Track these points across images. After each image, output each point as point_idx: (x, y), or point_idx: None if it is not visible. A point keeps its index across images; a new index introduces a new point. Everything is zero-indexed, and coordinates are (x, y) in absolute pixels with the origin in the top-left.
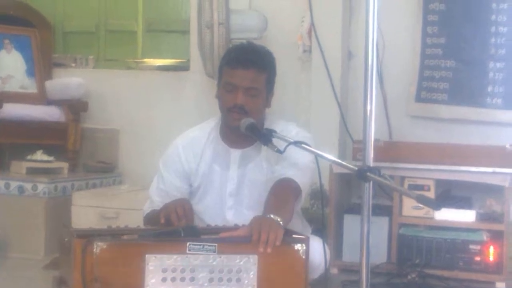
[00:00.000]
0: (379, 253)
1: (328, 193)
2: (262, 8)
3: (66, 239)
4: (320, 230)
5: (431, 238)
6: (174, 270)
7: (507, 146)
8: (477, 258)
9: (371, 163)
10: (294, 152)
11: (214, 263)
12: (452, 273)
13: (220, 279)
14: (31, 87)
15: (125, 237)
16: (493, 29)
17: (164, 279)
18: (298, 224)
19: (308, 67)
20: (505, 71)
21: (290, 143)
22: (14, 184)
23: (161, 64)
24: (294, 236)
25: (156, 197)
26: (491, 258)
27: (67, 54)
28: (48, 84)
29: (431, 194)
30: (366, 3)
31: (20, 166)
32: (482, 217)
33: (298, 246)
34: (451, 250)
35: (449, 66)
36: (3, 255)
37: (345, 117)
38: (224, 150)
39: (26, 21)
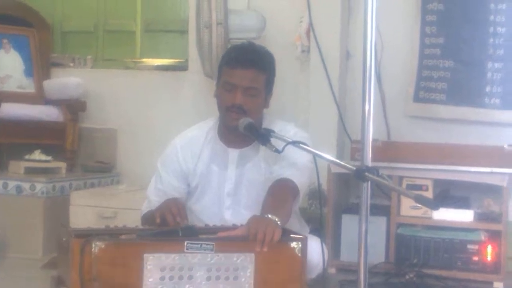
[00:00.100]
0: (377, 253)
1: (326, 193)
2: (261, 8)
3: (64, 239)
4: (318, 230)
5: (429, 238)
6: (172, 269)
7: (505, 146)
8: (475, 258)
9: (369, 163)
10: (292, 152)
11: (212, 261)
12: (450, 273)
13: (218, 277)
14: (29, 86)
15: (123, 236)
16: (491, 29)
17: (162, 278)
18: (296, 224)
19: (307, 67)
20: (503, 71)
21: (288, 143)
22: (12, 184)
23: (159, 64)
24: (291, 235)
25: (154, 197)
26: (489, 258)
27: (66, 54)
28: (46, 84)
29: (429, 194)
30: (364, 4)
31: (18, 166)
32: (480, 217)
33: (294, 244)
34: (449, 250)
35: (448, 66)
36: (1, 255)
37: (343, 117)
38: (222, 149)
39: (25, 21)
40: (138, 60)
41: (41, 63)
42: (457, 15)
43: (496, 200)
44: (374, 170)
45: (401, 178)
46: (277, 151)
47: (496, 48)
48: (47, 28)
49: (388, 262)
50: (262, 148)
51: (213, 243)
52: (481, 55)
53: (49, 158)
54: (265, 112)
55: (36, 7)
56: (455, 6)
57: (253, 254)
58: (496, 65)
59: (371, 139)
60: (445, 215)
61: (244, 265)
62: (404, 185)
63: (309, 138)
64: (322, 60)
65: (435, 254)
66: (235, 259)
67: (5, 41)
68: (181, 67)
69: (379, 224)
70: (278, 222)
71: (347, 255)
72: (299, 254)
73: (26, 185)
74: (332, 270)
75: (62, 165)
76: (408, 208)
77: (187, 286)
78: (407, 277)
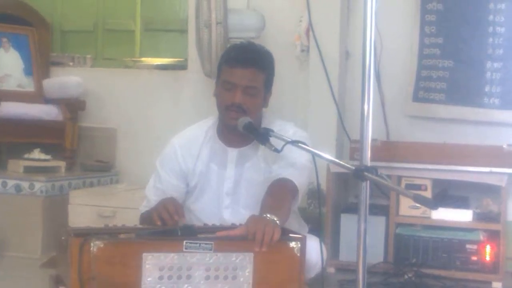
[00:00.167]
0: (376, 253)
1: (325, 192)
2: (260, 8)
3: (63, 238)
4: (317, 229)
5: (428, 238)
6: (170, 268)
7: (504, 146)
8: (474, 258)
9: (368, 162)
10: (291, 152)
11: (211, 261)
12: (449, 273)
13: (216, 277)
14: (29, 85)
15: (122, 236)
16: (490, 29)
17: (161, 277)
18: (295, 223)
19: (306, 67)
20: (502, 71)
21: (287, 143)
22: (11, 183)
23: (159, 63)
24: (290, 234)
25: (152, 196)
26: (488, 258)
27: (65, 53)
28: (46, 83)
29: (428, 194)
30: (364, 3)
31: (17, 165)
32: (479, 217)
33: (293, 244)
34: (448, 249)
35: (447, 66)
36: (0, 254)
37: (342, 117)
38: (221, 149)
39: (24, 20)
40: (138, 59)
41: (40, 62)
42: (457, 15)
43: (495, 200)
44: (373, 170)
45: (400, 177)
46: (276, 150)
47: (495, 48)
48: (47, 27)
49: (387, 262)
50: (262, 147)
51: (212, 242)
52: (480, 55)
53: (48, 157)
54: (265, 112)
55: (36, 6)
56: (455, 6)
57: (252, 254)
58: (495, 64)
59: (370, 139)
60: (444, 215)
61: (243, 264)
62: (403, 185)
63: (308, 138)
64: (322, 59)
65: (434, 254)
66: (234, 258)
67: (4, 40)
68: (181, 67)
69: (378, 224)
70: (277, 222)
71: (346, 254)
72: (298, 254)
73: (25, 184)
74: (331, 270)
75: (62, 164)
76: (407, 207)
77: (185, 285)
78: (406, 277)
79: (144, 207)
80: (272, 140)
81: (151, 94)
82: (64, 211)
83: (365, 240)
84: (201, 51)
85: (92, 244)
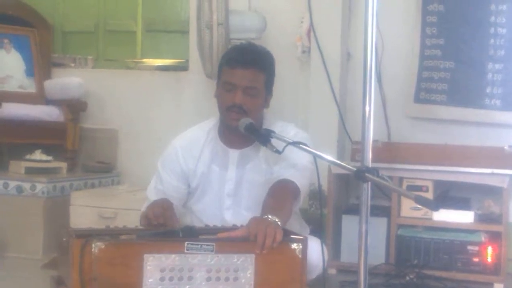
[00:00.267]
0: (377, 254)
1: (327, 193)
2: (262, 9)
3: (64, 239)
4: (318, 230)
5: (429, 239)
6: (172, 270)
7: (506, 147)
8: (475, 259)
9: (369, 163)
10: (292, 153)
11: (212, 262)
12: (450, 274)
13: (218, 278)
14: (30, 87)
15: (123, 237)
16: (492, 30)
17: (162, 279)
18: (296, 224)
19: (307, 68)
20: (503, 72)
21: (288, 144)
22: (12, 184)
23: (160, 64)
24: (291, 236)
25: (154, 197)
26: (489, 259)
27: (66, 54)
28: (47, 84)
29: (429, 195)
30: (365, 5)
31: (18, 166)
32: (481, 218)
33: (294, 245)
34: (449, 251)
35: (448, 67)
36: (1, 255)
37: (343, 118)
38: (222, 150)
39: (26, 21)
40: (139, 60)
41: (42, 63)
42: (458, 16)
43: (496, 201)
44: (375, 171)
45: (401, 179)
46: (277, 151)
47: (497, 49)
48: (48, 28)
49: (388, 263)
50: (263, 148)
51: (214, 244)
52: (482, 56)
53: (49, 158)
54: (266, 113)
55: (37, 7)
56: (456, 7)
57: (253, 255)
58: (497, 66)
59: (371, 140)
60: (446, 216)
61: (245, 266)
62: (404, 186)
63: (310, 139)
64: (323, 60)
65: (436, 255)
66: (235, 260)
67: (6, 41)
68: (182, 68)
69: (379, 225)
70: (279, 223)
71: (347, 256)
72: (300, 255)
73: (26, 185)
74: (332, 271)
75: (63, 165)
76: (408, 209)
77: (187, 287)
78: (407, 278)
79: (145, 208)
80: (274, 141)
81: (152, 95)
82: (65, 212)
83: (367, 241)
84: (202, 52)
85: (93, 245)
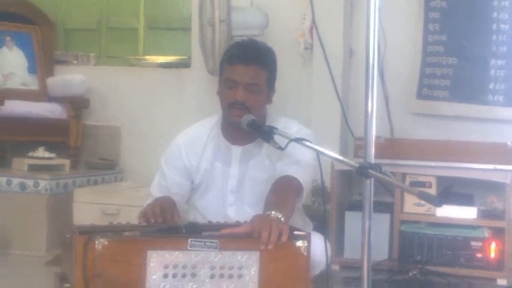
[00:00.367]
0: (381, 250)
1: (330, 190)
2: (264, 5)
3: (67, 236)
4: (321, 227)
5: (432, 235)
6: (175, 267)
7: (509, 143)
8: (479, 255)
9: (372, 160)
10: (295, 149)
11: (216, 259)
12: (454, 270)
13: (222, 276)
14: (33, 84)
15: (126, 233)
16: (494, 26)
17: (165, 275)
18: (300, 221)
19: (310, 65)
20: (506, 68)
21: (291, 140)
22: (15, 181)
23: (162, 61)
24: (295, 232)
25: (157, 193)
26: (493, 255)
27: (69, 51)
28: (50, 81)
29: (432, 191)
30: (367, 1)
31: (21, 163)
32: (484, 214)
33: (300, 243)
34: (452, 247)
35: (451, 63)
36: (5, 252)
37: (346, 114)
38: (225, 146)
39: (28, 18)
40: (141, 57)
41: (44, 61)
42: (460, 12)
43: (499, 197)
44: (377, 167)
45: (404, 175)
46: (280, 148)
47: (499, 45)
48: (50, 25)
49: (391, 259)
50: (266, 145)
51: (217, 241)
52: (484, 52)
53: (52, 155)
54: (269, 109)
55: (39, 4)
56: (458, 3)
57: (257, 252)
58: (499, 62)
59: (374, 136)
60: (449, 212)
61: (249, 263)
62: (407, 182)
63: (313, 135)
64: (325, 57)
65: (439, 251)
66: (239, 257)
67: (8, 38)
68: (184, 65)
69: (382, 221)
70: (282, 219)
71: (350, 252)
72: (305, 253)
73: (29, 182)
74: (336, 267)
75: (66, 162)
76: (411, 205)
77: (190, 284)
78: (410, 274)
79: (146, 205)
80: (277, 137)
81: (155, 92)
82: (68, 209)
83: (370, 237)
84: (204, 49)
85: (96, 242)
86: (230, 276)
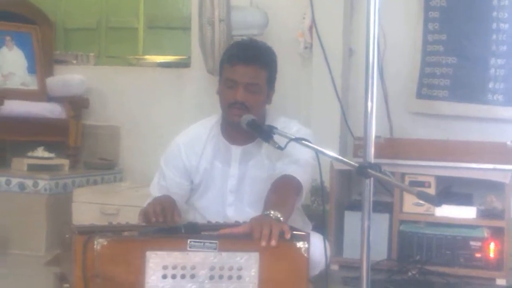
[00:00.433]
0: (380, 250)
1: (329, 189)
2: (263, 5)
3: (67, 236)
4: (320, 226)
5: (431, 235)
6: (174, 267)
7: (508, 142)
8: (478, 255)
9: (371, 159)
10: (295, 149)
11: (215, 260)
12: (453, 270)
13: (221, 276)
14: (32, 84)
15: (125, 233)
16: (494, 25)
17: (164, 276)
18: (299, 220)
19: (309, 64)
20: (506, 68)
21: (291, 140)
22: (15, 181)
23: (162, 61)
24: (295, 232)
25: (157, 193)
26: (492, 255)
27: (68, 51)
28: (49, 81)
29: (431, 191)
30: (367, 0)
31: (21, 163)
32: (483, 214)
33: (300, 244)
34: (451, 246)
35: (450, 62)
36: (4, 252)
37: (346, 114)
38: (225, 146)
39: (27, 18)
40: (141, 57)
41: (44, 60)
42: (460, 11)
43: (499, 197)
44: (377, 167)
45: (403, 174)
46: (279, 147)
47: (499, 44)
48: (50, 25)
49: (390, 259)
50: (265, 145)
51: (217, 241)
52: (484, 51)
53: (52, 155)
54: (268, 109)
55: (39, 4)
56: (458, 2)
57: (257, 253)
58: (499, 61)
59: (373, 136)
60: (448, 211)
61: (248, 264)
62: (406, 182)
63: (312, 135)
64: (325, 56)
65: (438, 251)
66: (238, 258)
67: (8, 38)
68: (184, 64)
69: (381, 221)
70: (281, 219)
71: (349, 252)
72: (305, 254)
73: (29, 182)
74: (335, 267)
75: (65, 162)
76: (410, 205)
77: (189, 285)
78: (409, 274)
79: (146, 204)
80: (276, 137)
81: (154, 91)
82: (68, 209)
83: (369, 237)
84: (204, 49)
85: (96, 242)
86: (230, 277)
